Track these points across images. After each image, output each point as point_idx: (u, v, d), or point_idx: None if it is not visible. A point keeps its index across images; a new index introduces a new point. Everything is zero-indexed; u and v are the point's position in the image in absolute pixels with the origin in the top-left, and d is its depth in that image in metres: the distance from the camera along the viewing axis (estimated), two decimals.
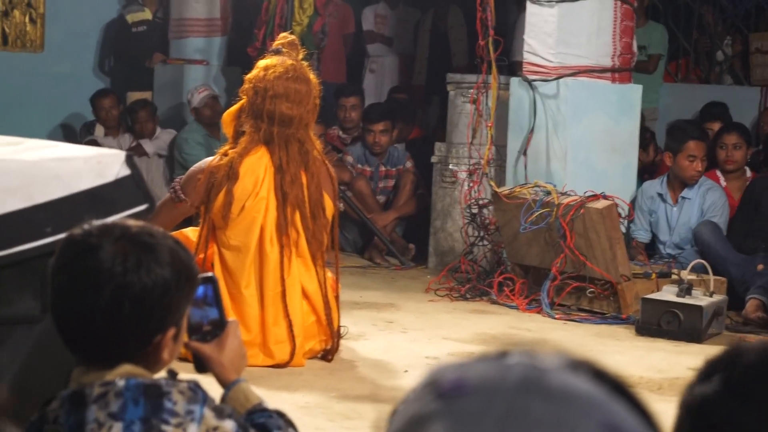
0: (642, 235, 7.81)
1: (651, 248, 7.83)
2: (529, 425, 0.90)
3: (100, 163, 2.81)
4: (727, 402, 1.21)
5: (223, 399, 2.34)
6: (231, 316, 2.43)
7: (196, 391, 2.11)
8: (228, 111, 5.64)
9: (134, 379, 2.08)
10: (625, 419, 0.94)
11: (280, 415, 2.37)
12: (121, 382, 2.07)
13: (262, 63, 5.58)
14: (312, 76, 5.57)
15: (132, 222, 2.16)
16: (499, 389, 0.92)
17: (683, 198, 7.64)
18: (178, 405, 2.07)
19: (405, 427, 0.94)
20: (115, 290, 2.05)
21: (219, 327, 2.36)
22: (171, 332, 2.11)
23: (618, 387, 0.97)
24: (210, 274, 2.41)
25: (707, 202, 7.59)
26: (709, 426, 1.21)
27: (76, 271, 2.09)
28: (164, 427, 2.05)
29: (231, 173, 5.38)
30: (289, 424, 2.37)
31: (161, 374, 2.16)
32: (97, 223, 2.13)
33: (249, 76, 5.54)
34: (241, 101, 5.54)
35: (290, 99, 5.42)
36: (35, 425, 2.14)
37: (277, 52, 5.58)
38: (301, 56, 5.60)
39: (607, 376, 0.98)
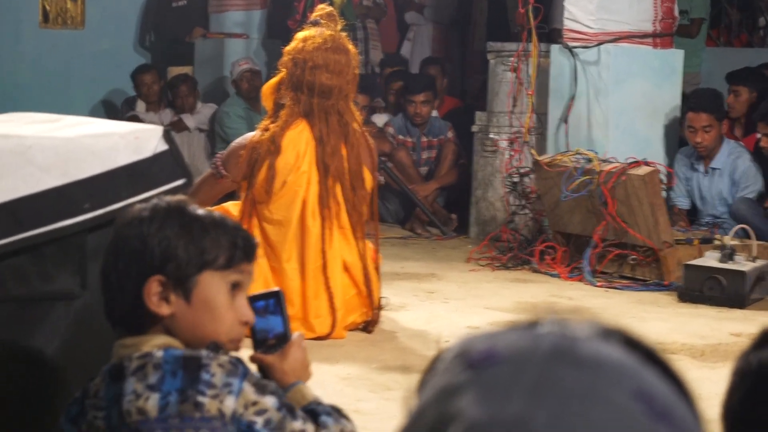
0: (682, 202, 7.75)
1: (692, 214, 7.77)
2: (560, 394, 0.89)
3: (137, 139, 2.81)
4: None
5: None
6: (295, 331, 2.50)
7: (236, 365, 2.12)
8: (267, 84, 5.64)
9: (172, 351, 2.09)
10: (657, 387, 0.93)
11: (336, 409, 2.37)
12: (159, 353, 2.09)
13: (300, 35, 5.57)
14: (351, 46, 5.55)
15: (161, 196, 2.21)
16: (530, 359, 0.92)
17: (713, 168, 7.56)
18: (215, 377, 2.08)
19: (435, 398, 0.93)
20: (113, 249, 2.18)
21: (283, 340, 2.42)
22: (154, 280, 2.13)
23: (650, 354, 0.96)
24: (276, 289, 2.50)
25: (738, 171, 7.50)
26: (766, 392, 1.20)
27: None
28: (200, 398, 2.06)
29: (273, 147, 5.38)
30: (343, 416, 2.37)
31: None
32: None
33: (288, 48, 5.53)
34: (281, 74, 5.53)
35: (330, 69, 5.41)
36: (78, 400, 2.16)
37: (315, 24, 5.57)
38: (339, 27, 5.59)
39: (639, 343, 0.97)
